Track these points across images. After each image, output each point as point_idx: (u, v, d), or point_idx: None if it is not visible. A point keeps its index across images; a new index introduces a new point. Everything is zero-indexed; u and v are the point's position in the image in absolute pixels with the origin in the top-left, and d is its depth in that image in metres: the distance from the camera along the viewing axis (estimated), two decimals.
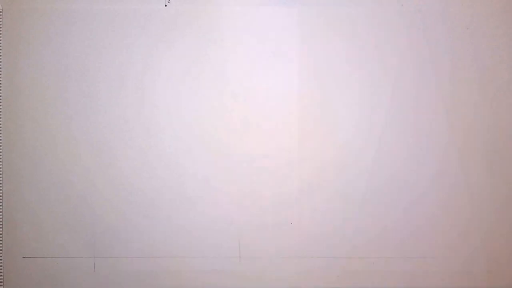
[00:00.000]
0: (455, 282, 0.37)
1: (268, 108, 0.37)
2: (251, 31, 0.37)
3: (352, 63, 0.37)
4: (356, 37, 0.37)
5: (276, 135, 0.37)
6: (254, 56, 0.37)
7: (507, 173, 0.37)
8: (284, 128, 0.37)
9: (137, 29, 0.37)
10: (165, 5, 0.37)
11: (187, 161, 0.37)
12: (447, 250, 0.37)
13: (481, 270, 0.37)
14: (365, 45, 0.37)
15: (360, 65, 0.37)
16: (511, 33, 0.37)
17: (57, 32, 0.37)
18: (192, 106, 0.37)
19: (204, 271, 0.37)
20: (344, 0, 0.37)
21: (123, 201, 0.37)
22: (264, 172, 0.37)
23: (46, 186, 0.37)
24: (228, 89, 0.37)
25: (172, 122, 0.37)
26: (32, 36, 0.37)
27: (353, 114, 0.37)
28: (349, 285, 0.37)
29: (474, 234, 0.37)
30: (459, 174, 0.37)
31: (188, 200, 0.37)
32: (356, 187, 0.37)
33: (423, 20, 0.37)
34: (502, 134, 0.37)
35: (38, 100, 0.37)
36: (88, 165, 0.37)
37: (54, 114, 0.37)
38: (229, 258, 0.37)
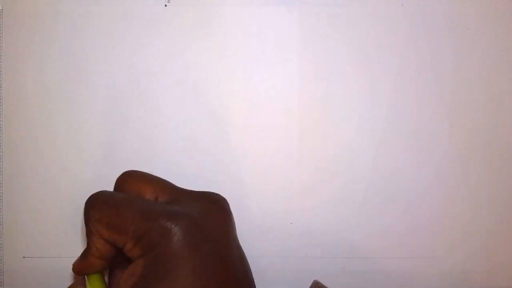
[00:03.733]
0: (455, 282, 0.37)
1: (268, 108, 0.37)
2: (251, 31, 0.37)
3: (353, 63, 0.37)
4: (357, 37, 0.37)
5: (276, 135, 0.37)
6: (254, 56, 0.37)
7: (508, 173, 0.37)
8: (284, 128, 0.37)
9: (137, 29, 0.37)
10: (165, 5, 0.37)
11: (187, 161, 0.37)
12: (447, 250, 0.37)
13: (481, 270, 0.37)
14: (365, 45, 0.37)
15: (360, 65, 0.37)
16: None
17: (57, 33, 0.37)
18: (192, 106, 0.37)
19: None
20: (344, 0, 0.37)
21: None
22: (264, 172, 0.37)
23: (47, 185, 0.37)
24: (228, 89, 0.37)
25: (172, 122, 0.37)
26: (32, 36, 0.37)
27: (353, 114, 0.37)
28: (349, 285, 0.37)
29: (474, 234, 0.37)
30: (459, 174, 0.37)
31: None
32: (357, 187, 0.37)
33: (423, 20, 0.37)
34: (503, 134, 0.37)
35: (38, 100, 0.37)
36: (89, 165, 0.37)
37: (55, 114, 0.37)
38: None
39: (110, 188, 0.37)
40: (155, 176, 0.29)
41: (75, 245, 0.37)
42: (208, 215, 0.26)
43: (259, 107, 0.37)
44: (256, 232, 0.37)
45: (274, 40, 0.37)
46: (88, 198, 0.27)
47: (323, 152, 0.37)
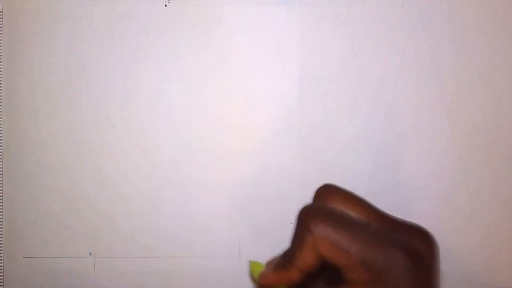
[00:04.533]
0: (455, 282, 0.37)
1: (268, 108, 0.37)
2: (251, 31, 0.37)
3: (353, 63, 0.37)
4: (357, 37, 0.37)
5: (276, 135, 0.37)
6: (254, 56, 0.37)
7: (508, 173, 0.37)
8: (284, 128, 0.37)
9: (137, 29, 0.37)
10: (165, 5, 0.37)
11: (187, 161, 0.37)
12: (447, 250, 0.37)
13: (481, 270, 0.37)
14: (365, 45, 0.37)
15: (361, 65, 0.37)
16: None
17: (57, 33, 0.37)
18: (192, 106, 0.37)
19: (204, 271, 0.37)
20: (344, 0, 0.37)
21: (124, 201, 0.37)
22: (264, 172, 0.37)
23: (47, 186, 0.37)
24: (228, 89, 0.37)
25: (172, 122, 0.37)
26: (32, 36, 0.37)
27: (353, 114, 0.37)
28: None
29: (474, 234, 0.37)
30: (459, 174, 0.37)
31: (188, 200, 0.37)
32: (357, 187, 0.37)
33: (423, 20, 0.37)
34: (503, 134, 0.37)
35: (38, 100, 0.37)
36: (89, 165, 0.37)
37: (55, 114, 0.37)
38: (229, 258, 0.37)
39: (112, 188, 0.37)
40: (359, 196, 0.28)
41: (75, 245, 0.37)
42: (431, 255, 0.25)
43: (259, 107, 0.37)
44: (256, 232, 0.37)
45: (274, 40, 0.37)
46: (308, 209, 0.26)
47: (323, 152, 0.37)
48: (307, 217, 0.26)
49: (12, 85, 0.37)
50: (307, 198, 0.37)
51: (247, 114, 0.37)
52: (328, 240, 0.24)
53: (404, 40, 0.37)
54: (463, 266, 0.37)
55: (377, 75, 0.37)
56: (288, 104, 0.37)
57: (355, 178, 0.37)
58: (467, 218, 0.37)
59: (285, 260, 0.27)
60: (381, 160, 0.37)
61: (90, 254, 0.37)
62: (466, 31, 0.37)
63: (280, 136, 0.37)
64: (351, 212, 0.27)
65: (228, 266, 0.37)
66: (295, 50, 0.37)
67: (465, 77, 0.37)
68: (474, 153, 0.37)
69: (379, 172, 0.37)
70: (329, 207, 0.27)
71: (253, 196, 0.37)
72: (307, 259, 0.25)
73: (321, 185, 0.28)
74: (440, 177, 0.37)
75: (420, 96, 0.37)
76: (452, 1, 0.37)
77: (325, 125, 0.37)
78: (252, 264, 0.31)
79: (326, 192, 0.28)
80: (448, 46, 0.37)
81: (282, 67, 0.37)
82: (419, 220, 0.37)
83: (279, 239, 0.37)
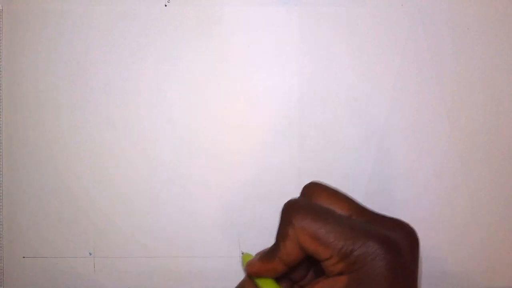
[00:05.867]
0: (455, 282, 0.37)
1: (268, 108, 0.37)
2: (251, 31, 0.37)
3: (352, 63, 0.37)
4: (356, 37, 0.37)
5: (276, 135, 0.37)
6: (254, 56, 0.37)
7: (508, 173, 0.37)
8: (284, 128, 0.37)
9: (137, 29, 0.37)
10: (165, 5, 0.37)
11: (187, 161, 0.37)
12: (447, 250, 0.37)
13: (481, 270, 0.37)
14: (365, 45, 0.37)
15: (360, 65, 0.37)
16: None
17: (57, 33, 0.37)
18: (191, 106, 0.37)
19: (204, 271, 0.37)
20: (344, 0, 0.37)
21: (124, 201, 0.37)
22: (264, 172, 0.37)
23: (47, 186, 0.37)
24: (228, 89, 0.37)
25: (172, 122, 0.37)
26: (32, 36, 0.37)
27: (353, 114, 0.37)
28: None
29: (474, 234, 0.37)
30: (459, 174, 0.37)
31: (188, 200, 0.37)
32: (356, 188, 0.37)
33: (423, 20, 0.37)
34: (503, 134, 0.37)
35: (39, 100, 0.37)
36: (89, 165, 0.37)
37: (55, 114, 0.37)
38: (229, 258, 0.37)
39: (112, 188, 0.37)
40: (344, 193, 0.29)
41: (75, 245, 0.37)
42: (410, 248, 0.26)
43: (259, 107, 0.37)
44: (256, 232, 0.37)
45: (274, 40, 0.37)
46: (291, 204, 0.27)
47: (323, 152, 0.37)
48: (290, 211, 0.26)
49: (12, 85, 0.37)
50: None
51: (247, 114, 0.37)
52: (309, 233, 0.25)
53: (404, 40, 0.37)
54: (463, 266, 0.37)
55: (377, 75, 0.37)
56: (288, 104, 0.37)
57: (355, 178, 0.37)
58: (467, 218, 0.37)
59: (270, 252, 0.28)
60: (381, 160, 0.37)
61: (90, 254, 0.37)
62: (466, 31, 0.37)
63: (280, 136, 0.37)
64: (335, 207, 0.27)
65: (228, 266, 0.37)
66: (295, 50, 0.37)
67: (465, 77, 0.37)
68: (474, 153, 0.37)
69: (379, 172, 0.37)
70: (312, 202, 0.28)
71: (253, 196, 0.37)
72: (289, 251, 0.26)
73: (307, 183, 0.29)
74: (440, 177, 0.37)
75: (420, 96, 0.37)
76: (452, 1, 0.37)
77: (325, 125, 0.37)
78: (245, 256, 0.33)
79: (312, 189, 0.29)
80: (448, 46, 0.37)
81: (282, 67, 0.37)
82: (419, 220, 0.38)
83: None
